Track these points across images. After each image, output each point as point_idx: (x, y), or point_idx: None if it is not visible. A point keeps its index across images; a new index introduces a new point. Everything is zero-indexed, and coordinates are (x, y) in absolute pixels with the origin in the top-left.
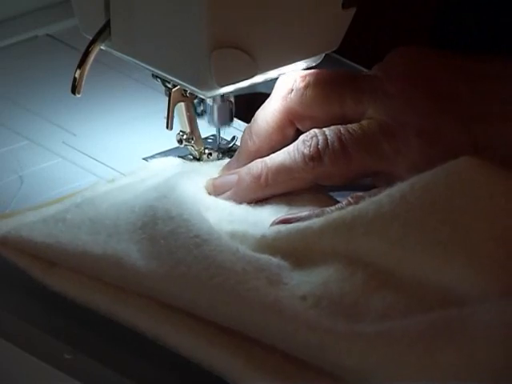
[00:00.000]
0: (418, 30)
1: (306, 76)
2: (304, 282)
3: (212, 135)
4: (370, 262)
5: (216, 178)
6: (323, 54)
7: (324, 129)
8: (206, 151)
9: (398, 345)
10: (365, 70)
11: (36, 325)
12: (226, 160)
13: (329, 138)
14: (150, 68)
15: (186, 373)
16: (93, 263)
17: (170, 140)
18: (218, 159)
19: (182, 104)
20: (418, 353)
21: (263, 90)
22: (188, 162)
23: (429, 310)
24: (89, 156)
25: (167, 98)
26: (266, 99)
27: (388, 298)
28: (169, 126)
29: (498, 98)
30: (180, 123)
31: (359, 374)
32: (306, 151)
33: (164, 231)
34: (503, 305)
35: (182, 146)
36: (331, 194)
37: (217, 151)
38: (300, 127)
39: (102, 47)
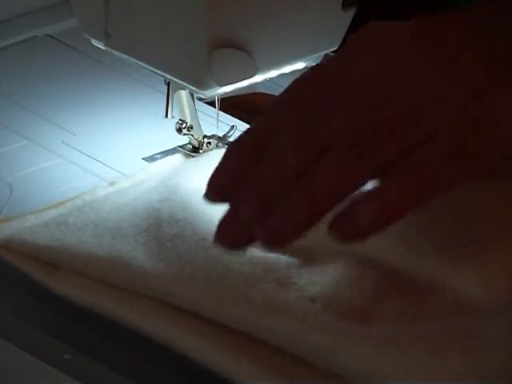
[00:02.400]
0: None
1: None
2: (313, 281)
3: (214, 136)
4: (382, 264)
5: None
6: (323, 54)
7: None
8: (206, 140)
9: (407, 350)
10: None
11: (36, 325)
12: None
13: None
14: (150, 68)
15: (190, 374)
16: (98, 266)
17: (169, 140)
18: (218, 147)
19: (182, 92)
20: (427, 358)
21: (263, 90)
22: (185, 159)
23: (439, 315)
24: (88, 156)
25: (166, 87)
26: (266, 99)
27: (399, 301)
28: (168, 114)
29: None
30: (179, 112)
31: (368, 378)
32: None
33: (170, 234)
34: None
35: (181, 135)
36: None
37: (216, 140)
38: None
39: (102, 47)
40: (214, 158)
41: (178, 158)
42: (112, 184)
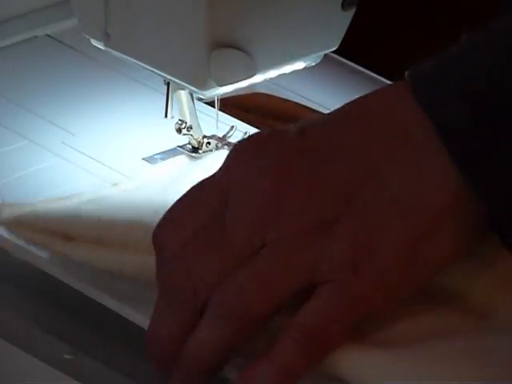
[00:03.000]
0: (419, 29)
1: None
2: None
3: (214, 136)
4: None
5: None
6: (323, 54)
7: None
8: (205, 140)
9: (419, 361)
10: (365, 70)
11: (36, 325)
12: (225, 151)
13: None
14: (150, 68)
15: None
16: (118, 233)
17: (169, 140)
18: (217, 148)
19: (181, 92)
20: (439, 370)
21: (263, 90)
22: (188, 161)
23: (453, 328)
24: (88, 156)
25: (166, 87)
26: (265, 99)
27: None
28: (168, 114)
29: None
30: (179, 112)
31: None
32: None
33: None
34: None
35: (181, 135)
36: None
37: (216, 140)
38: None
39: (102, 47)
40: (216, 160)
41: (181, 160)
42: (115, 185)
